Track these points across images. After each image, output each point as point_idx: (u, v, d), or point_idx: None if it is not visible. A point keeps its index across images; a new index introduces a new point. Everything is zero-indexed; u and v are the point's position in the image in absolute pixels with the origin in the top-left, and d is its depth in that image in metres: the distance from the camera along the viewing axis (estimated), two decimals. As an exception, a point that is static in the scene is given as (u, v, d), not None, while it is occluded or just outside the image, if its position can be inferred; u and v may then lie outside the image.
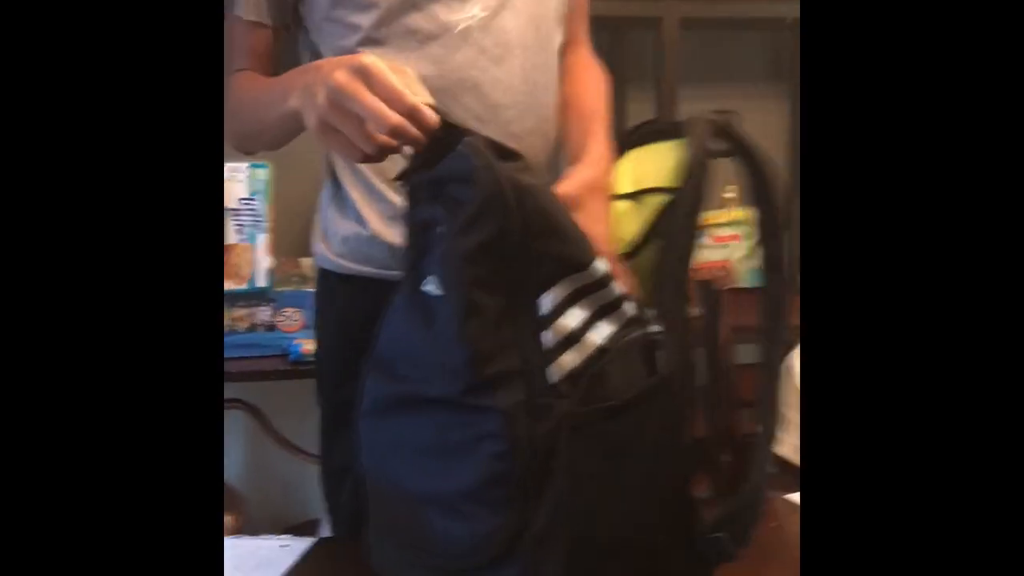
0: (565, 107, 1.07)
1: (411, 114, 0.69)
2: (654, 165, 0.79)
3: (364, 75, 0.70)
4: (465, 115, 0.97)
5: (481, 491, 0.66)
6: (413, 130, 0.69)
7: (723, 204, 2.17)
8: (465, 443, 0.67)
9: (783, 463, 1.32)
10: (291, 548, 0.93)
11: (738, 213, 2.09)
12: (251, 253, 1.70)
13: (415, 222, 0.75)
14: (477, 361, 0.66)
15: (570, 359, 0.69)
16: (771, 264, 0.80)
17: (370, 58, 0.71)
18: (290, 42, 1.08)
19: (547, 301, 0.69)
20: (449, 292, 0.68)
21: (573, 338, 0.69)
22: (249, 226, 1.70)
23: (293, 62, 1.03)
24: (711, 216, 2.02)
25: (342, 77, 0.70)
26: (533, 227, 0.67)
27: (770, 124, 2.31)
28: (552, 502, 0.66)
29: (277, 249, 1.85)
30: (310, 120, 0.74)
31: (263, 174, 1.70)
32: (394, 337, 0.73)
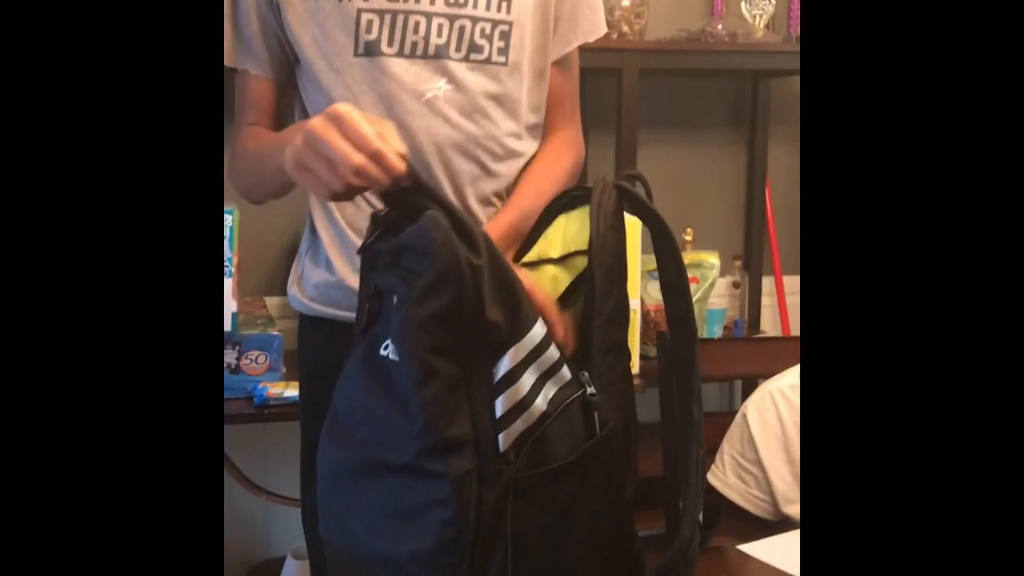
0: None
1: (375, 157, 0.75)
2: (576, 229, 0.84)
3: (337, 121, 0.77)
4: (429, 178, 1.01)
5: (432, 556, 0.70)
6: (375, 171, 0.75)
7: (682, 247, 2.21)
8: (417, 509, 0.71)
9: (736, 509, 1.35)
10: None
11: (696, 255, 2.14)
12: (217, 296, 1.71)
13: (370, 289, 0.78)
14: (432, 425, 0.70)
15: (518, 425, 0.72)
16: (676, 320, 0.83)
17: (345, 106, 0.77)
18: (293, 99, 1.14)
19: (502, 367, 0.72)
20: (405, 358, 0.71)
21: (523, 405, 0.73)
22: (216, 270, 1.72)
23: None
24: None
25: (317, 123, 0.77)
26: (485, 299, 0.71)
27: (728, 169, 2.38)
28: (499, 566, 0.70)
29: (243, 288, 1.87)
30: (288, 160, 0.81)
31: (229, 219, 1.71)
32: (352, 401, 0.77)
